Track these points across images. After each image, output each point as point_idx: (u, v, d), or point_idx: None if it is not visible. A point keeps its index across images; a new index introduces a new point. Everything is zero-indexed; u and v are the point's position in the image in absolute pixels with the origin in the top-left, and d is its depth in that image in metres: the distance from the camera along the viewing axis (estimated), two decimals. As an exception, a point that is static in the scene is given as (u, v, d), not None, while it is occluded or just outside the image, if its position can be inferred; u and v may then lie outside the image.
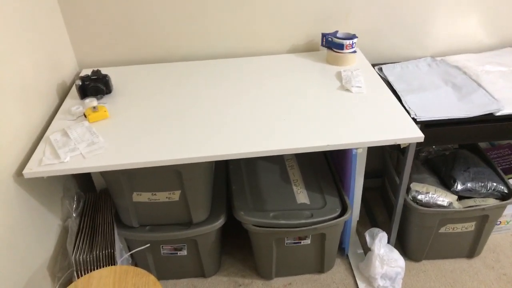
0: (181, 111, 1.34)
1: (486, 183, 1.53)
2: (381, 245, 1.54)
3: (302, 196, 1.54)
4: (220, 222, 1.49)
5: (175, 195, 1.38)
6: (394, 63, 1.67)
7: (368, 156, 1.46)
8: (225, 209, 1.53)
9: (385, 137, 1.19)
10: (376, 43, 1.70)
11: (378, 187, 2.03)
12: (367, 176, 1.53)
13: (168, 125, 1.27)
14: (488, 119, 1.34)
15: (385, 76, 1.57)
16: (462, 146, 1.74)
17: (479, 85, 1.48)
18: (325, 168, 1.66)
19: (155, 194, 1.38)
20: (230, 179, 1.62)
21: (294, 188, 1.58)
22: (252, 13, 1.60)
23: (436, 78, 1.55)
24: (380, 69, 1.62)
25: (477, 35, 1.73)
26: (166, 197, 1.39)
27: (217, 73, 1.56)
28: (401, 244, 1.73)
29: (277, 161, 1.71)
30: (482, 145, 1.84)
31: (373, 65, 1.62)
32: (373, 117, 1.27)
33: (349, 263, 1.70)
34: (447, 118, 1.33)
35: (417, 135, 1.20)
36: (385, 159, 1.80)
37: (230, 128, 1.24)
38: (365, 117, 1.27)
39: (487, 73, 1.55)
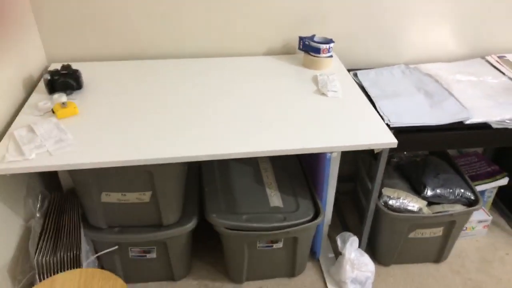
0: (154, 110, 1.31)
1: (454, 189, 1.57)
2: (352, 249, 1.55)
3: (275, 199, 1.53)
4: (191, 225, 1.46)
5: (146, 196, 1.35)
6: (369, 69, 1.69)
7: (340, 160, 1.47)
8: (197, 212, 1.50)
9: (360, 142, 1.19)
10: (352, 48, 1.72)
11: (349, 191, 2.05)
12: (339, 180, 1.53)
13: (139, 124, 1.24)
14: (458, 127, 1.37)
15: (360, 81, 1.59)
16: (432, 153, 1.78)
17: (450, 93, 1.51)
18: (298, 171, 1.66)
19: (124, 195, 1.33)
20: (202, 180, 1.60)
21: (268, 191, 1.56)
22: (229, 14, 1.58)
23: (409, 85, 1.58)
24: (355, 75, 1.64)
25: (449, 45, 1.77)
26: (136, 198, 1.35)
27: (192, 73, 1.53)
28: (371, 248, 1.74)
29: (251, 164, 1.70)
30: (451, 152, 1.89)
31: (349, 70, 1.63)
32: (348, 121, 1.28)
33: (320, 267, 1.70)
34: (419, 124, 1.35)
35: (391, 140, 1.21)
36: (357, 164, 1.82)
37: (204, 129, 1.22)
38: (340, 121, 1.28)
39: (457, 82, 1.59)
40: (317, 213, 1.48)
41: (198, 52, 1.65)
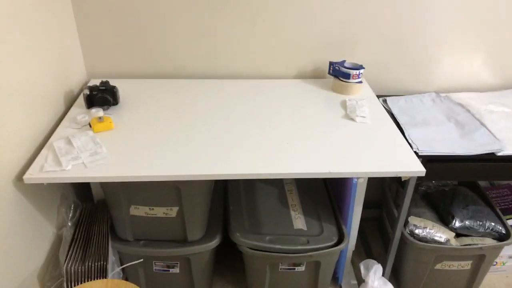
0: (185, 128, 1.35)
1: (484, 222, 1.52)
2: (375, 277, 1.53)
3: (299, 221, 1.53)
4: (215, 242, 1.47)
5: (173, 211, 1.38)
6: (398, 96, 1.69)
7: (367, 186, 1.46)
8: (221, 229, 1.52)
9: (387, 169, 1.19)
10: (382, 75, 1.73)
11: (375, 218, 2.02)
12: (364, 206, 1.52)
13: (171, 140, 1.28)
14: (489, 158, 1.35)
15: (389, 108, 1.59)
16: (461, 183, 1.75)
17: (482, 124, 1.49)
18: (324, 195, 1.66)
19: (152, 209, 1.37)
20: (228, 199, 1.62)
21: (292, 213, 1.57)
22: (262, 37, 1.63)
23: (440, 113, 1.56)
24: (385, 101, 1.64)
25: (482, 75, 1.75)
26: (163, 213, 1.38)
27: (224, 93, 1.58)
28: (396, 278, 1.71)
29: (276, 185, 1.71)
30: (482, 184, 1.85)
31: (378, 96, 1.64)
32: (376, 147, 1.28)
33: (342, 294, 1.68)
34: (449, 154, 1.34)
35: (419, 169, 1.20)
36: (384, 191, 1.80)
37: (232, 148, 1.25)
38: (367, 147, 1.28)
39: (490, 113, 1.57)
40: (341, 238, 1.46)
41: (230, 73, 1.70)
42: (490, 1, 1.59)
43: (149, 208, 1.37)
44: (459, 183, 1.75)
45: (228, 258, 1.78)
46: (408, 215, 1.55)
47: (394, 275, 1.70)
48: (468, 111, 1.58)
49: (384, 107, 1.56)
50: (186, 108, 1.47)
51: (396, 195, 1.71)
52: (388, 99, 1.65)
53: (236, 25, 1.60)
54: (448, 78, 1.75)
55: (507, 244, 1.50)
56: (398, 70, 1.73)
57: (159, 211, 1.38)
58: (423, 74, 1.74)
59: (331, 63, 1.63)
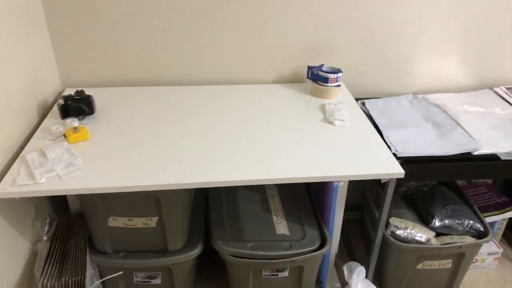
0: (163, 136, 1.33)
1: (463, 220, 1.55)
2: (358, 279, 1.53)
3: (281, 226, 1.52)
4: (196, 251, 1.45)
5: (152, 222, 1.35)
6: (376, 98, 1.70)
7: (348, 189, 1.47)
8: (203, 238, 1.50)
9: (367, 172, 1.19)
10: (360, 78, 1.74)
11: (357, 220, 2.03)
12: (346, 208, 1.53)
13: (149, 150, 1.25)
14: (466, 158, 1.37)
15: (368, 110, 1.60)
16: (440, 183, 1.77)
17: (458, 124, 1.52)
18: (305, 199, 1.66)
19: (131, 220, 1.34)
20: (209, 207, 1.60)
21: (274, 218, 1.56)
22: (240, 42, 1.62)
23: (417, 115, 1.58)
24: (363, 104, 1.65)
25: (457, 76, 1.79)
26: (143, 223, 1.35)
27: (202, 100, 1.56)
28: (379, 279, 1.71)
29: (258, 190, 1.70)
30: (460, 182, 1.88)
31: (356, 99, 1.65)
32: (355, 150, 1.28)
33: (326, 297, 1.68)
34: (427, 155, 1.35)
35: (398, 171, 1.21)
36: (365, 193, 1.81)
37: (211, 156, 1.23)
38: (347, 150, 1.28)
39: (465, 113, 1.59)
40: (323, 242, 1.46)
41: (209, 80, 1.68)
42: (463, 5, 1.63)
43: (128, 219, 1.34)
44: (438, 182, 1.77)
45: (211, 266, 1.76)
46: (389, 216, 1.57)
47: (377, 277, 1.71)
48: (445, 112, 1.60)
49: (363, 110, 1.57)
50: (163, 116, 1.45)
51: (377, 196, 1.72)
52: (366, 101, 1.67)
53: (213, 31, 1.59)
54: (425, 79, 1.78)
55: (486, 242, 1.53)
56: (375, 73, 1.74)
57: (139, 222, 1.35)
58: (400, 76, 1.77)
59: (309, 68, 1.63)
